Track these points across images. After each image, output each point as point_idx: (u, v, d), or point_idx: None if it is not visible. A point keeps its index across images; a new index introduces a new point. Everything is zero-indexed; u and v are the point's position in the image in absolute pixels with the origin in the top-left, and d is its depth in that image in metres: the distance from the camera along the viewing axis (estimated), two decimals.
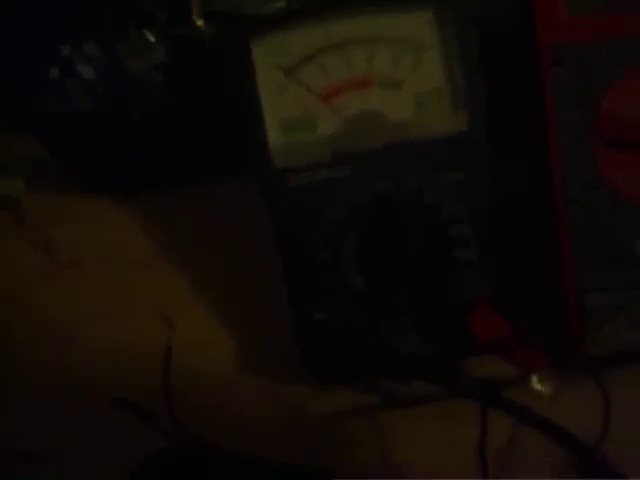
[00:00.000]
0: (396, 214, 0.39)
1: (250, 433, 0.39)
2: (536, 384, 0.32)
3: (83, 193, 0.49)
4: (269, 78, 0.40)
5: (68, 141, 0.48)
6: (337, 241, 0.40)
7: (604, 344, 0.37)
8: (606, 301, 0.38)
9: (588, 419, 0.37)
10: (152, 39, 0.45)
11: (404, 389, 0.39)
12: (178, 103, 0.46)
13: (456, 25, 0.38)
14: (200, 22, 0.43)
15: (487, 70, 0.39)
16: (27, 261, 0.47)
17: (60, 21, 0.44)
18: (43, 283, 0.46)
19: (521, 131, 0.41)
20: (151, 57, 0.45)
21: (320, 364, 0.41)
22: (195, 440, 0.38)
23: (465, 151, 0.39)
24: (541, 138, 0.39)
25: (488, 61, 0.39)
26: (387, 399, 0.40)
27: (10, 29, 0.45)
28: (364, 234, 0.40)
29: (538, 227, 0.40)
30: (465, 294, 0.39)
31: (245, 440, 0.38)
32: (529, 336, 0.36)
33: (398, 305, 0.39)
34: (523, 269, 0.40)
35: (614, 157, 0.39)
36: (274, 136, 0.40)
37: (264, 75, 0.40)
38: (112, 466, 0.35)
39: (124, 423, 0.38)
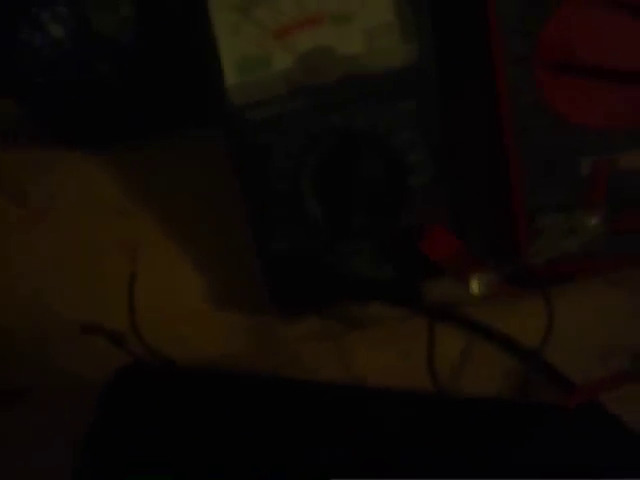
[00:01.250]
0: (351, 144, 0.41)
1: (217, 358, 0.41)
2: (473, 285, 0.33)
3: (55, 147, 0.50)
4: (223, 18, 0.41)
5: (39, 97, 0.50)
6: (295, 172, 0.41)
7: (551, 258, 0.38)
8: (554, 219, 0.39)
9: (533, 330, 0.38)
10: None
11: (364, 313, 0.41)
12: (146, 56, 0.47)
13: None
14: None
15: (434, 1, 0.40)
16: (3, 213, 0.48)
17: None
18: (18, 231, 0.47)
19: (469, 60, 0.42)
20: (117, 12, 0.47)
21: (285, 293, 0.42)
22: (163, 360, 0.39)
23: (416, 81, 0.41)
24: (488, 66, 0.41)
25: None
26: (348, 323, 0.41)
27: None
28: (321, 164, 0.41)
29: (488, 151, 0.42)
30: (419, 218, 0.40)
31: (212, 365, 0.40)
32: (478, 254, 0.37)
33: (356, 231, 0.41)
34: (475, 192, 0.41)
35: (558, 81, 0.40)
36: (230, 74, 0.41)
37: (219, 16, 0.41)
38: (82, 389, 0.36)
39: (93, 350, 0.40)
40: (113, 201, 0.48)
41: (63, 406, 0.39)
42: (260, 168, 0.41)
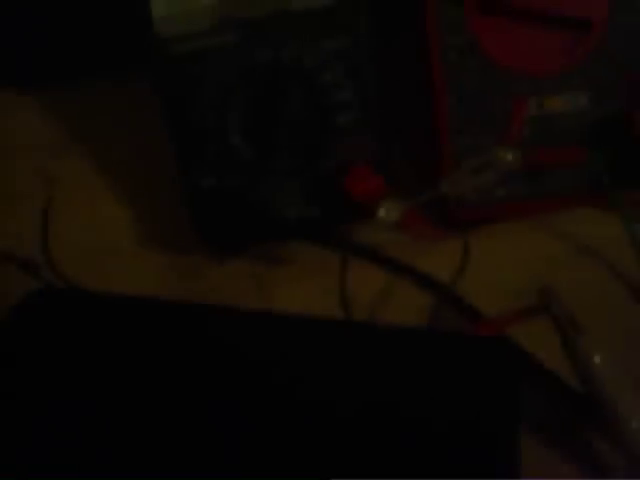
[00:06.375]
0: (278, 81, 0.40)
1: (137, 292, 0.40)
2: (382, 212, 0.33)
3: None
4: None
5: None
6: (222, 107, 0.41)
7: (477, 201, 0.39)
8: (477, 159, 0.39)
9: (452, 269, 0.38)
10: None
11: (286, 250, 0.41)
12: None
13: None
14: None
15: None
16: None
17: None
18: None
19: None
20: None
21: (211, 229, 0.42)
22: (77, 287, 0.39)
23: (346, 19, 0.40)
24: (419, 4, 0.40)
25: None
26: (271, 261, 0.41)
27: None
28: (248, 100, 0.41)
29: (416, 91, 0.41)
30: (344, 156, 0.40)
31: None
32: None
33: (280, 169, 0.41)
34: (401, 131, 0.41)
35: (487, 22, 0.40)
36: (158, 6, 0.40)
37: None
38: None
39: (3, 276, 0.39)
40: (42, 140, 0.47)
41: None
42: (186, 102, 0.41)
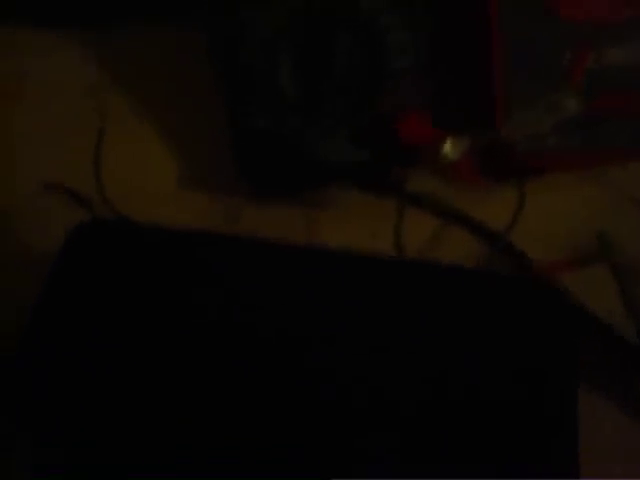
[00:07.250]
0: (332, 23, 0.40)
1: None
2: (447, 147, 0.33)
3: (23, 27, 0.48)
4: None
5: None
6: (273, 48, 0.40)
7: (530, 148, 0.38)
8: (533, 109, 0.39)
9: (504, 218, 0.38)
10: None
11: (333, 196, 0.41)
12: None
13: None
14: None
15: None
16: None
17: None
18: None
19: None
20: None
21: (256, 171, 0.41)
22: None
23: None
24: None
25: None
26: (317, 205, 0.41)
27: None
28: (300, 42, 0.40)
29: (471, 38, 0.41)
30: (399, 102, 0.40)
31: None
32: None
33: (329, 113, 0.40)
34: (456, 78, 0.40)
35: None
36: None
37: None
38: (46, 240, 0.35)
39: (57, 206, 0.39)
40: (84, 80, 0.47)
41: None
42: (238, 42, 0.40)
